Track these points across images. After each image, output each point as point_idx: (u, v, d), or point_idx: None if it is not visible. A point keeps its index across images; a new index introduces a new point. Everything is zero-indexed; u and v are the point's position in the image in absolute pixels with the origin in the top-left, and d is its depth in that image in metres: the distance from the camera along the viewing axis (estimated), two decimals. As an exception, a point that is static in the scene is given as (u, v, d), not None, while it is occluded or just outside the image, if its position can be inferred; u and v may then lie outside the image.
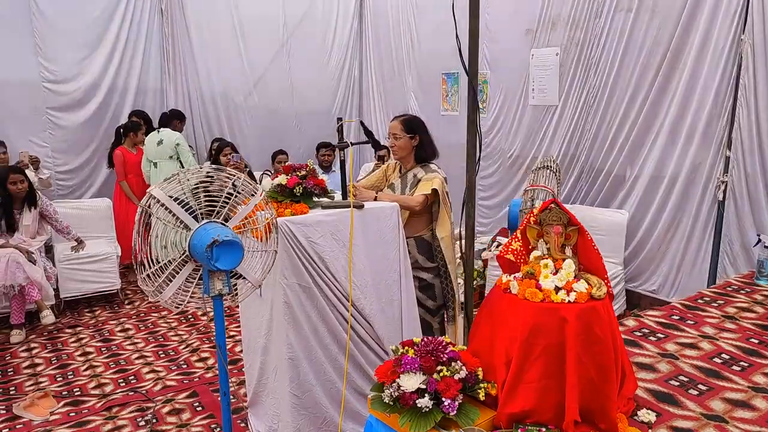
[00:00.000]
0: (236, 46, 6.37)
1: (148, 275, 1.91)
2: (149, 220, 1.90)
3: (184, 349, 3.80)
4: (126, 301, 4.73)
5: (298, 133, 6.88)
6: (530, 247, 1.66)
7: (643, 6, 3.88)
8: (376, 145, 2.83)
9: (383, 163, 5.85)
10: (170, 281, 1.95)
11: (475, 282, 3.33)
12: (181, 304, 1.96)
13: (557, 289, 1.51)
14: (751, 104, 3.40)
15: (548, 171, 2.36)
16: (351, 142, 2.65)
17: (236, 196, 2.03)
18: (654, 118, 3.93)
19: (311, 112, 6.92)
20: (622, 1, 4.01)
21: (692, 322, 2.43)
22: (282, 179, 2.59)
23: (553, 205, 1.60)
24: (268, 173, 6.49)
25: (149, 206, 1.88)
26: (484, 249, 4.69)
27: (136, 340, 3.95)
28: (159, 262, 1.91)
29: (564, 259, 1.55)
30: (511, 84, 5.02)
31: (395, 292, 2.67)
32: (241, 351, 3.09)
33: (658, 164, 3.95)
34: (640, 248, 4.10)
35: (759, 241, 2.88)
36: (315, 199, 2.58)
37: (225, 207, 1.99)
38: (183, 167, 5.04)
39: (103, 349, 3.82)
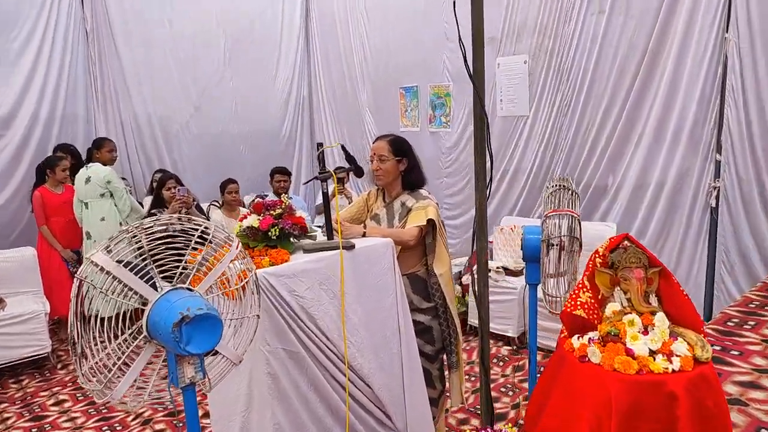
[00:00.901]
0: (172, 67, 5.81)
1: (90, 368, 1.43)
2: (89, 293, 1.42)
3: (133, 421, 3.22)
4: (59, 365, 4.07)
5: (247, 159, 6.37)
6: (599, 296, 1.31)
7: (616, 7, 3.71)
8: (359, 173, 2.44)
9: (343, 186, 5.51)
10: (122, 372, 1.47)
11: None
12: (140, 402, 1.48)
13: (652, 353, 1.16)
14: (740, 105, 3.25)
15: (568, 192, 2.04)
16: (334, 171, 2.24)
17: (205, 251, 1.59)
18: (634, 124, 3.75)
19: (259, 134, 6.44)
20: (592, 4, 3.82)
21: (737, 353, 2.17)
22: (253, 220, 2.14)
23: (627, 243, 1.25)
24: (216, 204, 5.95)
25: (86, 278, 1.40)
26: (461, 273, 4.37)
27: (73, 414, 3.33)
28: (105, 349, 1.44)
29: (652, 313, 1.21)
30: (476, 95, 4.74)
31: (394, 344, 2.27)
32: None
33: (641, 172, 3.75)
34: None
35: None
36: (293, 240, 2.16)
37: (192, 268, 1.55)
38: (117, 207, 4.47)
39: (33, 430, 3.19)
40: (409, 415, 2.30)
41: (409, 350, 2.32)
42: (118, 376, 1.44)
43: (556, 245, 1.95)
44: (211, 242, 1.60)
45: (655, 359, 1.15)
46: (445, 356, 2.61)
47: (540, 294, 2.21)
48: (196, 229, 1.55)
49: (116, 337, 1.45)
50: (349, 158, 2.44)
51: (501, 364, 3.71)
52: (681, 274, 3.64)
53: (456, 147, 5.03)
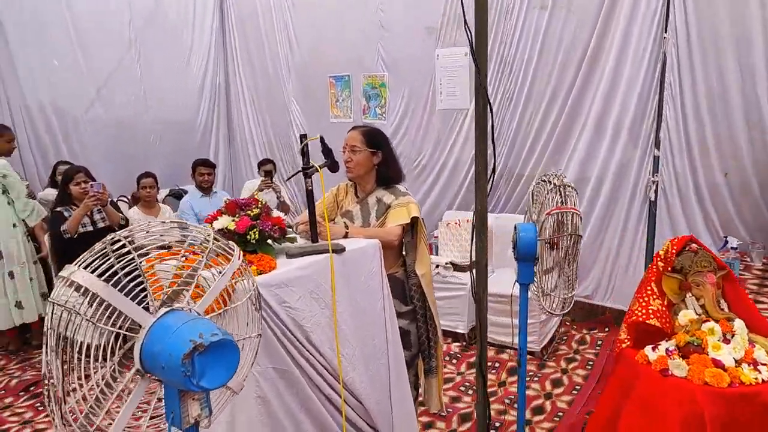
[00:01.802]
0: (69, 47, 5.12)
1: (70, 413, 1.13)
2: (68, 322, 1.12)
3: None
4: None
5: (158, 150, 5.80)
6: (666, 302, 1.23)
7: (558, 3, 3.75)
8: (334, 168, 2.22)
9: (270, 180, 5.18)
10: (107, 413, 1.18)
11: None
12: (132, 454, 1.20)
13: (736, 363, 1.09)
14: (677, 102, 3.41)
15: (570, 189, 1.98)
16: (319, 167, 2.00)
17: (200, 261, 1.33)
18: (576, 118, 3.83)
19: (171, 124, 5.88)
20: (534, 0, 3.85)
21: None
22: (226, 222, 1.86)
23: (695, 246, 1.18)
24: (125, 200, 5.38)
25: (67, 303, 1.10)
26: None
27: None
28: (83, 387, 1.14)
29: (728, 319, 1.14)
30: (414, 87, 4.65)
31: (382, 353, 2.10)
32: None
33: (582, 166, 3.85)
34: (570, 253, 3.98)
35: (725, 243, 2.82)
36: (271, 243, 1.91)
37: (190, 284, 1.28)
38: (13, 205, 3.85)
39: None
40: (396, 429, 2.15)
41: (396, 358, 2.16)
42: (108, 421, 1.15)
43: (565, 244, 1.88)
44: (200, 251, 1.34)
45: (743, 369, 1.08)
46: (420, 361, 2.48)
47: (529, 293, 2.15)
48: (202, 235, 1.28)
49: (95, 371, 1.16)
50: (326, 151, 2.22)
51: (454, 361, 3.66)
52: (621, 264, 3.80)
53: (392, 139, 4.87)
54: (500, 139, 4.21)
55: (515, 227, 2.10)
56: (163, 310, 1.23)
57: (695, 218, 3.44)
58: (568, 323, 4.05)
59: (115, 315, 1.15)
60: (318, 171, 1.97)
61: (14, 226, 3.82)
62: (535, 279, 2.06)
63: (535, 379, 3.39)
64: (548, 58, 3.86)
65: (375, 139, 2.40)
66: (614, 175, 3.71)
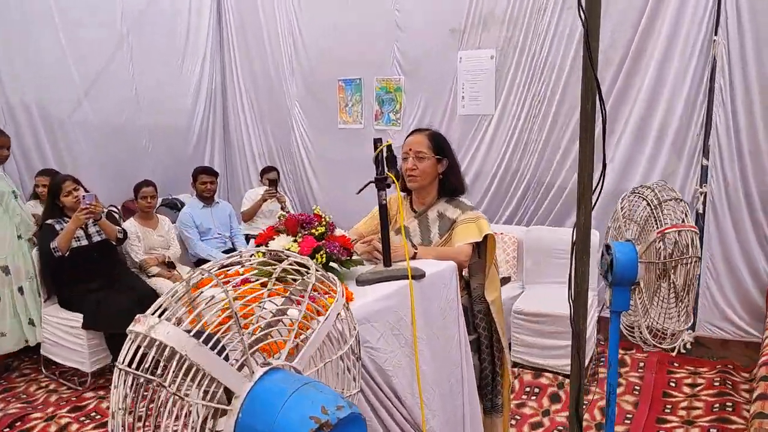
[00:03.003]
0: (56, 42, 4.71)
1: None
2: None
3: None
4: None
5: (151, 156, 5.41)
6: None
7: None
8: (399, 180, 1.90)
9: (275, 189, 4.84)
10: None
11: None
12: None
13: None
14: (728, 109, 3.21)
15: (680, 202, 1.72)
16: (395, 178, 1.69)
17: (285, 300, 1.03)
18: (613, 125, 3.60)
19: (165, 128, 5.50)
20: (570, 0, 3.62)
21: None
22: (286, 242, 1.55)
23: None
24: (115, 210, 4.97)
25: (151, 371, 0.79)
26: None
27: None
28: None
29: None
30: (433, 92, 4.37)
31: (458, 394, 1.80)
32: None
33: (621, 176, 3.62)
34: (606, 269, 3.73)
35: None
36: (337, 267, 1.60)
37: (291, 333, 0.98)
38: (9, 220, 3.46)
39: None
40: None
41: (472, 401, 1.86)
42: None
43: (686, 267, 1.61)
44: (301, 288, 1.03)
45: None
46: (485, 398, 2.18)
47: (624, 321, 1.88)
48: (306, 268, 0.98)
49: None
50: (392, 159, 1.91)
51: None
52: (662, 281, 3.56)
53: (407, 147, 4.61)
54: (527, 148, 3.96)
55: (607, 246, 1.83)
56: (261, 370, 0.92)
57: (745, 232, 3.23)
58: (602, 343, 3.80)
59: (199, 379, 0.84)
60: (395, 182, 1.66)
61: (19, 237, 3.46)
62: (636, 307, 1.80)
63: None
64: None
65: (441, 144, 2.11)
66: (657, 185, 3.48)
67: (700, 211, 3.34)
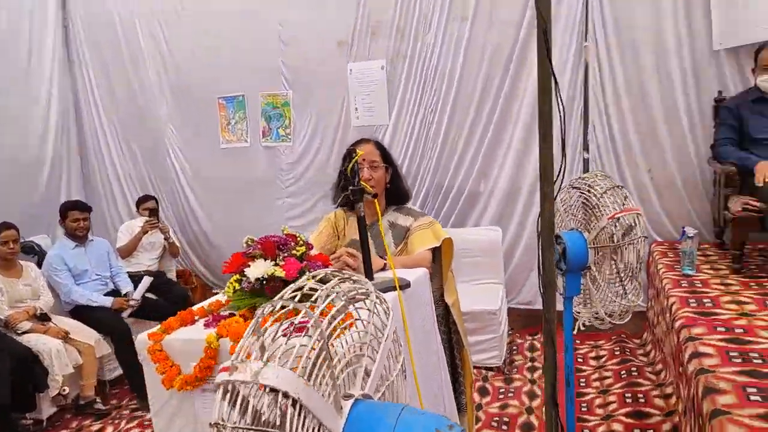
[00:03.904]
0: None
1: None
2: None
3: None
4: None
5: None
6: None
7: (478, 15, 3.74)
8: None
9: (157, 219, 4.42)
10: None
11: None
12: None
13: None
14: (602, 107, 3.58)
15: (621, 189, 1.86)
16: (371, 192, 1.60)
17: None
18: (503, 129, 3.84)
19: (13, 162, 4.76)
20: (454, 11, 3.80)
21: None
22: (266, 268, 1.40)
23: None
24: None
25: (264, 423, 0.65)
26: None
27: None
28: None
29: None
30: (325, 105, 4.32)
31: (440, 398, 1.77)
32: None
33: (513, 175, 3.87)
34: (507, 263, 3.96)
35: (684, 233, 2.98)
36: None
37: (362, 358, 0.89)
38: None
39: None
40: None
41: (450, 405, 1.84)
42: None
43: (637, 247, 1.75)
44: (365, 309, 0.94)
45: None
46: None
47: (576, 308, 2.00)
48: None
49: None
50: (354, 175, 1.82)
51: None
52: (560, 267, 3.86)
53: (300, 162, 4.50)
54: (425, 155, 4.08)
55: (557, 237, 1.94)
56: (347, 404, 0.82)
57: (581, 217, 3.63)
58: (510, 332, 4.02)
59: (307, 424, 0.71)
60: (374, 195, 1.59)
61: None
62: (590, 289, 1.92)
63: (510, 395, 3.26)
64: (471, 70, 3.83)
65: (385, 151, 2.07)
66: (547, 180, 3.77)
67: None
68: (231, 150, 4.77)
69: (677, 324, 2.33)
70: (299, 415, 0.68)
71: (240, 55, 4.49)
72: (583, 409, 2.97)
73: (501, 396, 3.24)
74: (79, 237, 3.89)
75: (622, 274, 1.83)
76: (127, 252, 4.34)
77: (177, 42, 4.71)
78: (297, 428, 0.67)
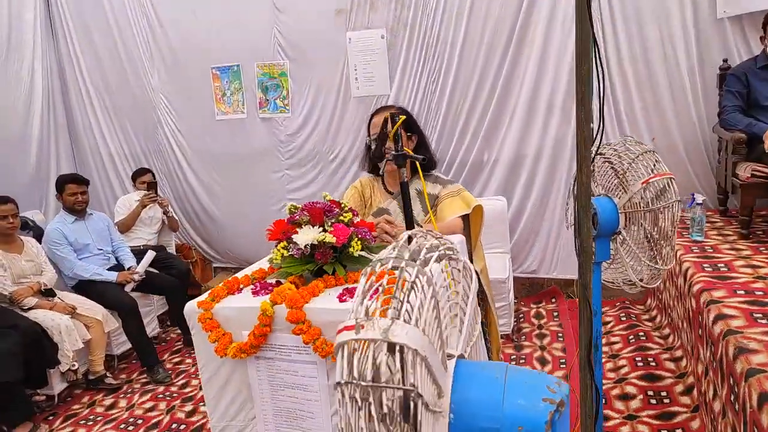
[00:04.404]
0: None
1: None
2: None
3: None
4: None
5: (-14, 172, 4.51)
6: None
7: (481, -18, 3.69)
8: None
9: (155, 192, 4.33)
10: None
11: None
12: None
13: None
14: (606, 78, 3.58)
15: (653, 154, 1.87)
16: (424, 157, 1.58)
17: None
18: (507, 99, 3.82)
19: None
20: (456, -23, 3.74)
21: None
22: (315, 235, 1.38)
23: None
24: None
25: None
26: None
27: None
28: None
29: None
30: (324, 75, 4.24)
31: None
32: None
33: (518, 145, 3.87)
34: (512, 232, 3.99)
35: (693, 199, 3.02)
36: (366, 255, 1.48)
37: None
38: None
39: None
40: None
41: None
42: None
43: (672, 210, 1.76)
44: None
45: None
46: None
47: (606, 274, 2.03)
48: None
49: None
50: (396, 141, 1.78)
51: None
52: (563, 235, 3.91)
53: (299, 133, 4.43)
54: (427, 125, 4.04)
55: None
56: (450, 363, 0.82)
57: (610, 182, 3.66)
58: (515, 301, 4.07)
59: (427, 384, 0.71)
60: (424, 159, 1.57)
61: None
62: (620, 254, 1.94)
63: (522, 362, 3.31)
64: (474, 38, 3.79)
65: (410, 120, 2.04)
66: (551, 150, 3.79)
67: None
68: (227, 122, 4.68)
69: (695, 288, 2.37)
70: (426, 373, 0.68)
71: (233, 24, 4.37)
72: (593, 372, 3.03)
73: (512, 363, 3.29)
74: (77, 211, 3.80)
75: (656, 238, 1.85)
76: (125, 227, 4.26)
77: (165, 10, 4.56)
78: (424, 386, 0.67)
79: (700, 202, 2.95)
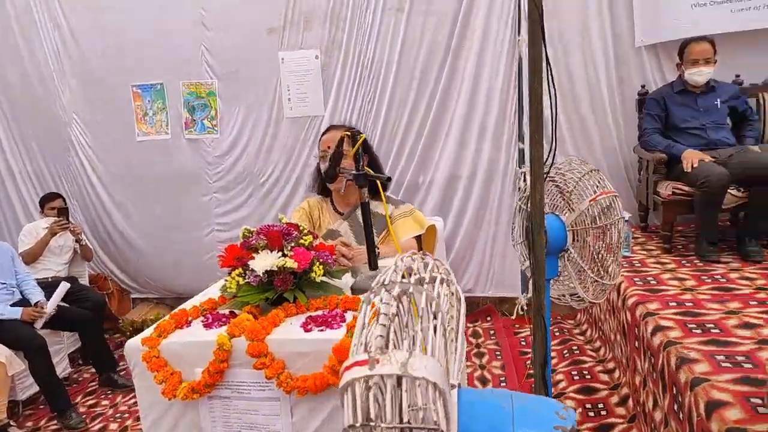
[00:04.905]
0: None
1: None
2: None
3: None
4: None
5: None
6: None
7: (414, 7, 3.74)
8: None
9: (67, 219, 3.98)
10: None
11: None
12: None
13: None
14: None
15: (597, 173, 1.91)
16: (389, 177, 1.52)
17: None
18: (441, 121, 3.87)
19: None
20: (390, 1, 3.76)
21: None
22: (274, 260, 1.28)
23: None
24: None
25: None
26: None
27: None
28: None
29: None
30: (255, 95, 4.11)
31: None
32: None
33: (453, 166, 3.92)
34: (449, 250, 4.01)
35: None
36: (327, 280, 1.39)
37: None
38: None
39: None
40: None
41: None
42: None
43: (617, 227, 1.81)
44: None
45: None
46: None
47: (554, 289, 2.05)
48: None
49: None
50: (337, 157, 1.72)
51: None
52: (498, 253, 3.98)
53: (228, 155, 4.26)
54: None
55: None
56: (455, 392, 0.77)
57: (555, 203, 3.80)
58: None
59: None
60: (388, 179, 1.51)
61: None
62: (569, 270, 1.97)
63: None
64: (408, 61, 3.82)
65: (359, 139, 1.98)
66: (485, 170, 3.87)
67: (521, 187, 3.81)
68: (149, 143, 4.42)
69: (630, 302, 2.46)
70: (442, 408, 0.61)
71: (157, 41, 4.16)
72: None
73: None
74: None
75: (602, 254, 1.90)
76: (32, 257, 3.87)
77: (78, 18, 4.27)
78: (442, 422, 0.60)
79: (627, 218, 3.09)
